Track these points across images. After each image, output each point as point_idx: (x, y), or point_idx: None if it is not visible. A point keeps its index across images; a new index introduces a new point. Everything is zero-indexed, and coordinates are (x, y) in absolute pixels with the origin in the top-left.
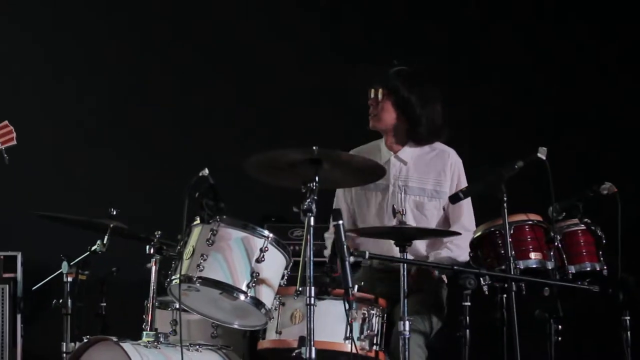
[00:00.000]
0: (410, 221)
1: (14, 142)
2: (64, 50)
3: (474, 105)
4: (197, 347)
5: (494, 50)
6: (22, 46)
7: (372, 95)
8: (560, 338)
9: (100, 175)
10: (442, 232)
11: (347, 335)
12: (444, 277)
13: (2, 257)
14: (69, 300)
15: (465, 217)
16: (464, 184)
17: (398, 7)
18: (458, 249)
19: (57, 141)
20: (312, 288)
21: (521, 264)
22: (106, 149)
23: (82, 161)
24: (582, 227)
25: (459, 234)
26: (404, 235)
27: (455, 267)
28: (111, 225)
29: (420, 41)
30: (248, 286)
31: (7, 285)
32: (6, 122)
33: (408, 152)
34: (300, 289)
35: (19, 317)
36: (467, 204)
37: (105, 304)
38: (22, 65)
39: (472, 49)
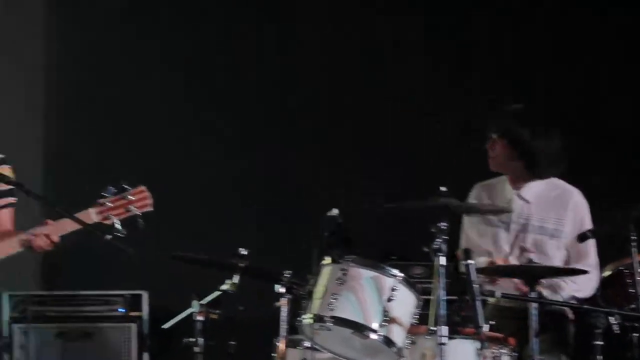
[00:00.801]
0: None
1: (151, 208)
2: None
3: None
4: None
5: None
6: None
7: (489, 138)
8: None
9: (229, 215)
10: (573, 270)
11: None
12: (571, 315)
13: (128, 295)
14: (201, 339)
15: (591, 255)
16: (587, 224)
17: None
18: (577, 285)
19: (184, 183)
20: (445, 327)
21: None
22: (235, 190)
23: (211, 202)
24: None
25: (587, 272)
26: (533, 274)
27: (585, 306)
28: (241, 265)
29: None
30: (379, 325)
31: (134, 324)
32: (144, 187)
33: (530, 190)
34: (432, 327)
35: (146, 355)
36: (592, 243)
37: (235, 343)
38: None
39: None
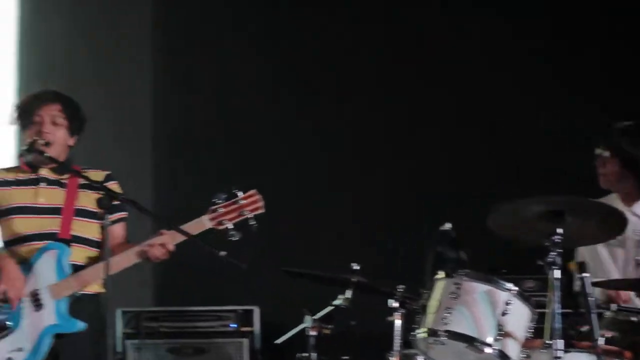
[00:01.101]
0: None
1: (263, 210)
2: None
3: None
4: None
5: None
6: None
7: (598, 155)
8: None
9: (341, 229)
10: None
11: None
12: None
13: (240, 311)
14: (314, 354)
15: None
16: None
17: None
18: None
19: (296, 198)
20: (560, 340)
21: None
22: (347, 205)
23: (323, 216)
24: None
25: None
26: None
27: None
28: (353, 280)
29: None
30: (494, 339)
31: (246, 339)
32: (254, 191)
33: None
34: (547, 341)
35: None
36: None
37: (347, 358)
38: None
39: None
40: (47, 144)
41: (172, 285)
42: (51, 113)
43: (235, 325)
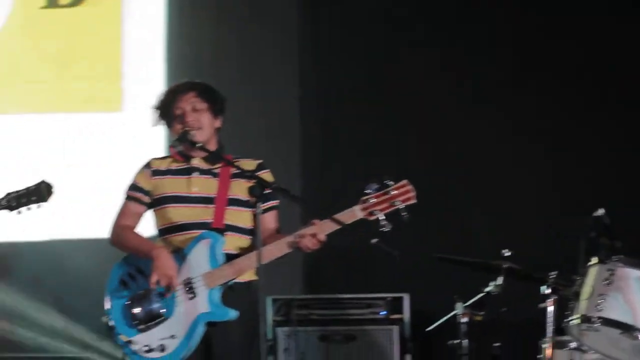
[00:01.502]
0: None
1: (414, 201)
2: None
3: None
4: None
5: None
6: None
7: None
8: None
9: (492, 215)
10: None
11: None
12: None
13: (390, 298)
14: (465, 341)
15: None
16: None
17: None
18: None
19: (448, 182)
20: None
21: None
22: (498, 190)
23: (475, 201)
24: None
25: None
26: None
27: None
28: (505, 267)
29: None
30: None
31: (396, 327)
32: (406, 181)
33: None
34: None
35: (408, 357)
36: None
37: (499, 344)
38: None
39: None
40: (190, 134)
41: (322, 272)
42: (189, 101)
43: (385, 313)
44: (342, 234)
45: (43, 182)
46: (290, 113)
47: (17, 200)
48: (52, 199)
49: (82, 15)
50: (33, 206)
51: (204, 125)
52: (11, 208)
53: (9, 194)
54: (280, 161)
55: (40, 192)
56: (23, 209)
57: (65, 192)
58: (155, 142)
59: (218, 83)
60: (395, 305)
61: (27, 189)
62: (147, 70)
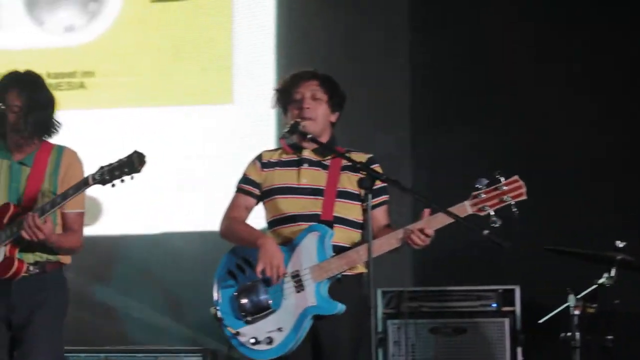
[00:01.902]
0: None
1: (525, 197)
2: None
3: None
4: None
5: None
6: None
7: None
8: None
9: (605, 205)
10: None
11: None
12: None
13: (501, 290)
14: (577, 334)
15: None
16: None
17: None
18: None
19: (551, 175)
20: None
21: None
22: (609, 180)
23: (585, 192)
24: None
25: None
26: None
27: None
28: (618, 258)
29: None
30: None
31: (507, 319)
32: (517, 177)
33: None
34: None
35: (519, 350)
36: None
37: (612, 337)
38: None
39: None
40: (301, 125)
41: (431, 265)
42: (310, 88)
43: (496, 305)
44: (451, 227)
45: (135, 152)
46: (400, 106)
47: (110, 173)
48: (145, 169)
49: (193, 7)
50: (126, 178)
51: (319, 116)
52: (104, 182)
53: (102, 168)
54: (390, 156)
55: (132, 163)
56: (117, 181)
57: (177, 184)
58: (265, 133)
59: (328, 72)
60: (506, 298)
61: (120, 161)
62: (258, 61)
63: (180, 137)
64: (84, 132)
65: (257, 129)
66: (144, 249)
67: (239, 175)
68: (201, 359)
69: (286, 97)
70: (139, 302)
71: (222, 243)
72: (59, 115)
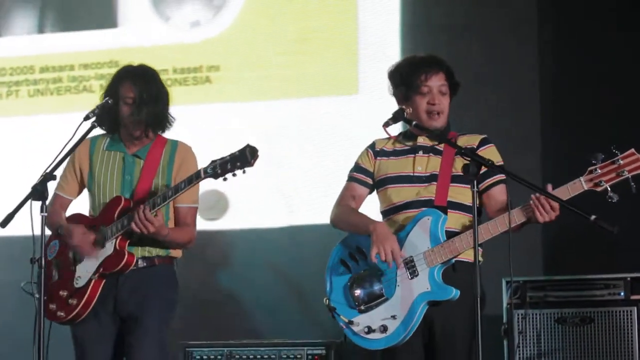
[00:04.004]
0: None
1: None
2: None
3: None
4: None
5: None
6: None
7: None
8: None
9: None
10: None
11: None
12: None
13: (629, 279)
14: None
15: None
16: None
17: None
18: None
19: None
20: None
21: None
22: None
23: None
24: None
25: None
26: None
27: None
28: None
29: None
30: None
31: (635, 308)
32: (633, 150)
33: None
34: None
35: None
36: None
37: None
38: None
39: None
40: (405, 112)
41: (560, 253)
42: (439, 83)
43: (624, 294)
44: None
45: (248, 146)
46: (528, 88)
47: (223, 167)
48: (257, 163)
49: None
50: (238, 172)
51: (445, 110)
52: (216, 175)
53: (213, 162)
54: (518, 137)
55: (245, 157)
56: (229, 175)
57: (302, 177)
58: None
59: (454, 62)
60: (634, 286)
61: (232, 154)
62: (383, 51)
63: (305, 129)
64: (210, 126)
65: (383, 119)
66: (268, 241)
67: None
68: (324, 351)
69: (410, 86)
70: (263, 296)
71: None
72: (186, 109)
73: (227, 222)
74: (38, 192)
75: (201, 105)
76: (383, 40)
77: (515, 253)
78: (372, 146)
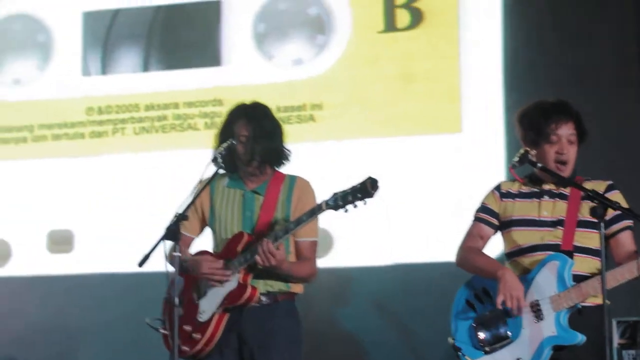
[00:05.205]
0: None
1: None
2: None
3: None
4: None
5: None
6: None
7: None
8: None
9: None
10: None
11: None
12: None
13: None
14: None
15: None
16: None
17: None
18: None
19: None
20: None
21: None
22: None
23: None
24: None
25: None
26: None
27: None
28: None
29: None
30: None
31: None
32: None
33: None
34: None
35: None
36: None
37: None
38: None
39: None
40: (530, 155)
41: None
42: (568, 132)
43: None
44: None
45: (369, 177)
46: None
47: (344, 199)
48: (377, 194)
49: (420, 37)
50: (359, 203)
51: (572, 159)
52: (337, 207)
53: (335, 194)
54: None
55: (366, 188)
56: (350, 206)
57: (404, 215)
58: (494, 163)
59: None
60: None
61: (353, 187)
62: (485, 89)
63: (409, 166)
64: (314, 164)
65: (486, 158)
66: (374, 279)
67: (477, 204)
68: None
69: (540, 133)
70: (372, 333)
71: (449, 274)
72: (290, 147)
73: (331, 260)
74: (172, 232)
75: (304, 144)
76: (485, 79)
77: (625, 293)
78: (498, 188)
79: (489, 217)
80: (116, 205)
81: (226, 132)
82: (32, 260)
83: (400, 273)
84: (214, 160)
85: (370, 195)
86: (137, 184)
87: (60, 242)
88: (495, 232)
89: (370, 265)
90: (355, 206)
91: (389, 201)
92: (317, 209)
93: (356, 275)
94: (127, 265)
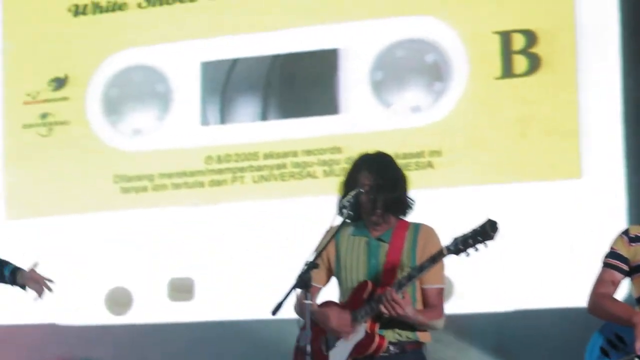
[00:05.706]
0: None
1: None
2: None
3: None
4: None
5: None
6: None
7: None
8: None
9: None
10: None
11: None
12: None
13: None
14: None
15: None
16: None
17: None
18: None
19: None
20: None
21: None
22: None
23: None
24: None
25: None
26: None
27: None
28: None
29: None
30: None
31: None
32: None
33: None
34: None
35: None
36: None
37: None
38: None
39: None
40: None
41: None
42: None
43: None
44: None
45: (488, 220)
46: None
47: (464, 242)
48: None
49: (538, 83)
50: (480, 246)
51: None
52: (459, 251)
53: (455, 239)
54: None
55: (486, 231)
56: (471, 250)
57: (522, 260)
58: (615, 208)
59: None
60: None
61: (473, 230)
62: (606, 137)
63: (527, 212)
64: (433, 211)
65: (607, 204)
66: (495, 327)
67: (606, 250)
68: None
69: None
70: None
71: (573, 321)
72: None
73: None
74: (303, 280)
75: (423, 190)
76: (605, 123)
77: None
78: (626, 232)
79: (618, 262)
80: (236, 253)
81: (351, 182)
82: (153, 308)
83: (523, 319)
84: (341, 209)
85: (491, 238)
86: (257, 232)
87: (181, 290)
88: (625, 277)
89: (490, 312)
90: (476, 249)
91: (507, 247)
92: (439, 255)
93: (477, 322)
94: (248, 312)
